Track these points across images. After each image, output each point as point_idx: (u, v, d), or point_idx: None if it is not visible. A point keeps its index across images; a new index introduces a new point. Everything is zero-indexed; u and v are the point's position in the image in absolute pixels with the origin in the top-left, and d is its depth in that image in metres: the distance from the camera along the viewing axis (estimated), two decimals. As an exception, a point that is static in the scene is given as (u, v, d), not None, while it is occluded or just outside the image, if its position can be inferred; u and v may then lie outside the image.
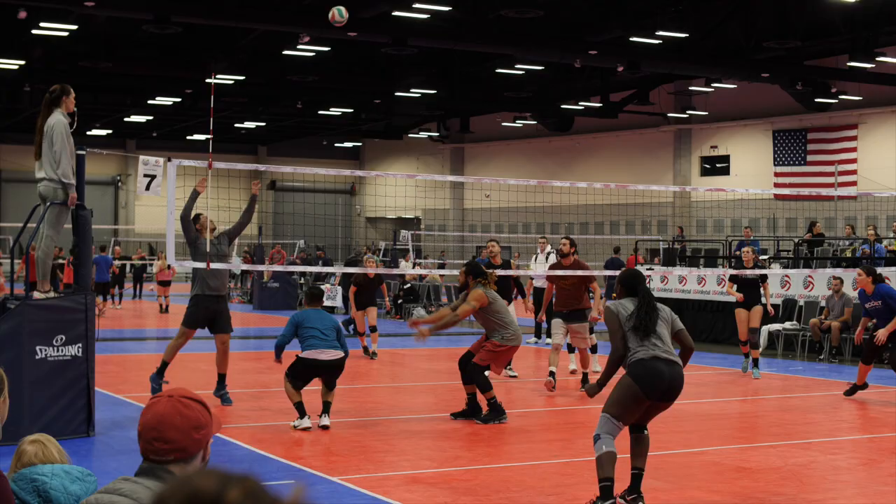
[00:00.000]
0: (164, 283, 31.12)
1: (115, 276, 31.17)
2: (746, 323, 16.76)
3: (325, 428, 11.25)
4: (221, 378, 13.16)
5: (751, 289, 16.83)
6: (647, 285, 8.43)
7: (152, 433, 3.05)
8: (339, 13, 12.84)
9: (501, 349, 12.27)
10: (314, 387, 11.52)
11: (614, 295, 8.60)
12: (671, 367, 7.84)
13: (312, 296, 12.17)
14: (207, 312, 12.96)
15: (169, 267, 30.17)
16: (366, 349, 18.98)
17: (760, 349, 20.23)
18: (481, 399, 12.15)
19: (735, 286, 16.99)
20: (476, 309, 12.23)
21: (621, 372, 8.05)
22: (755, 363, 16.68)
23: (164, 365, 13.13)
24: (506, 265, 16.22)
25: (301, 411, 11.30)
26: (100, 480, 4.27)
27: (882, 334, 14.24)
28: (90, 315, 10.79)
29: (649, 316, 7.93)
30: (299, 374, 11.33)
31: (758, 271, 17.02)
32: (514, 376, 16.12)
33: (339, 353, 11.29)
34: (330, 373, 11.34)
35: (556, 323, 14.85)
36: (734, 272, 17.30)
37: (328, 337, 11.25)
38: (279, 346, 11.53)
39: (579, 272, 14.61)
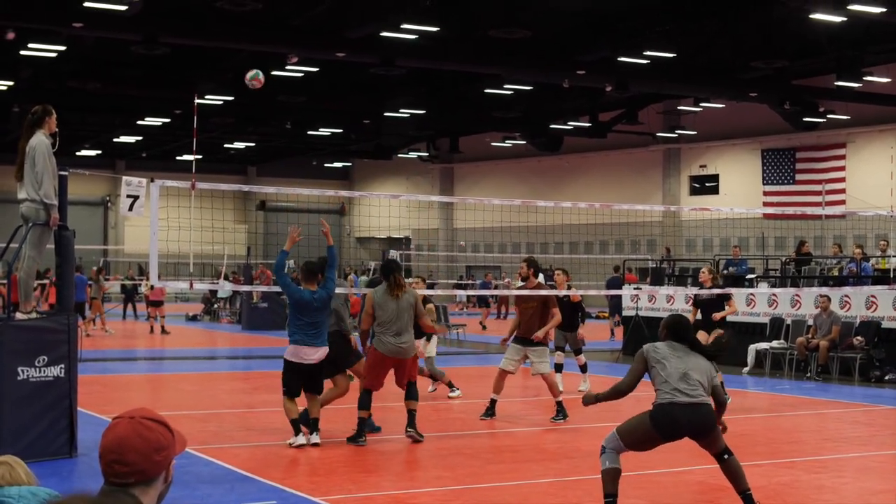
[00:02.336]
0: (156, 304, 31.03)
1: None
2: None
3: (315, 445, 11.28)
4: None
5: (710, 310, 15.59)
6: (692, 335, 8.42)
7: (112, 455, 3.02)
8: (252, 76, 12.59)
9: (369, 357, 11.95)
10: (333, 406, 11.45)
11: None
12: (691, 410, 7.85)
13: (309, 272, 11.60)
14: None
15: (152, 287, 30.08)
16: None
17: (748, 368, 20.28)
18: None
19: (698, 310, 15.78)
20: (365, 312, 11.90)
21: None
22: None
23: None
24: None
25: (296, 428, 11.36)
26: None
27: None
28: (72, 336, 10.76)
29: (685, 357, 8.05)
30: (291, 382, 11.46)
31: (717, 291, 15.83)
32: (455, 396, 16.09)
33: (321, 351, 11.44)
34: (311, 375, 11.49)
35: (512, 348, 14.01)
36: (696, 291, 16.15)
37: (312, 330, 11.37)
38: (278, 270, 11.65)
39: (542, 292, 14.01)
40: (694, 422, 7.88)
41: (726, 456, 8.14)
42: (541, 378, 14.10)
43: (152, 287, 29.95)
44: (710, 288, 15.78)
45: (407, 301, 11.83)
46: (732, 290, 17.47)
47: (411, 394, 12.01)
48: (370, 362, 11.90)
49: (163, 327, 30.53)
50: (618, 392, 8.19)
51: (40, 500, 4.16)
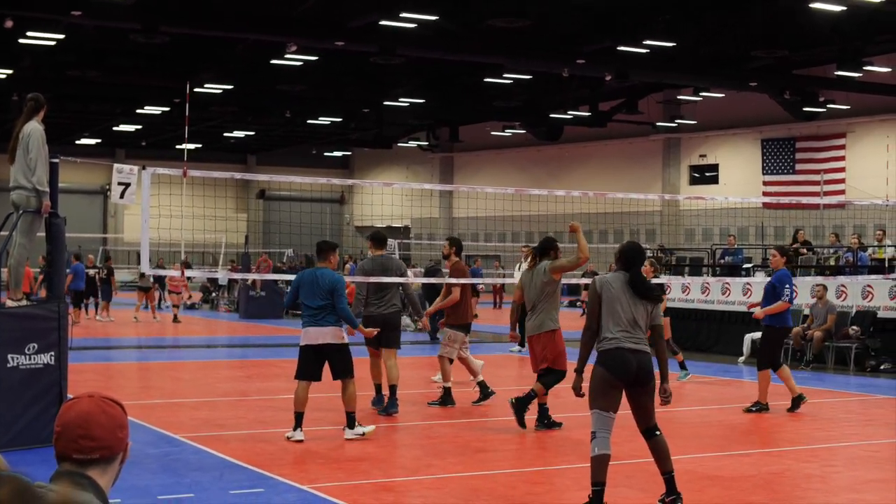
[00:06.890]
0: (174, 293, 31.38)
1: (88, 285, 30.70)
2: None
3: (356, 437, 11.11)
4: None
5: None
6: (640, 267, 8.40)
7: (78, 431, 3.00)
8: None
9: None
10: (323, 392, 11.40)
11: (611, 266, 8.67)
12: (637, 355, 8.00)
13: (320, 250, 11.42)
14: None
15: (142, 276, 30.46)
16: None
17: (743, 358, 20.30)
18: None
19: None
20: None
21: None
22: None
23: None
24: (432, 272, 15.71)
25: (298, 422, 11.07)
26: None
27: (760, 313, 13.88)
28: (63, 323, 10.76)
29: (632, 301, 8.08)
30: (301, 364, 11.13)
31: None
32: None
33: (327, 331, 11.02)
34: (324, 357, 11.13)
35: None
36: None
37: (317, 313, 11.02)
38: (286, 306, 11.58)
39: (458, 280, 13.95)
40: (641, 365, 7.99)
41: (657, 432, 8.22)
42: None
43: (142, 275, 30.31)
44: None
45: (536, 273, 11.74)
46: (666, 281, 17.46)
47: (543, 382, 11.84)
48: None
49: (175, 316, 30.74)
50: (585, 343, 8.18)
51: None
